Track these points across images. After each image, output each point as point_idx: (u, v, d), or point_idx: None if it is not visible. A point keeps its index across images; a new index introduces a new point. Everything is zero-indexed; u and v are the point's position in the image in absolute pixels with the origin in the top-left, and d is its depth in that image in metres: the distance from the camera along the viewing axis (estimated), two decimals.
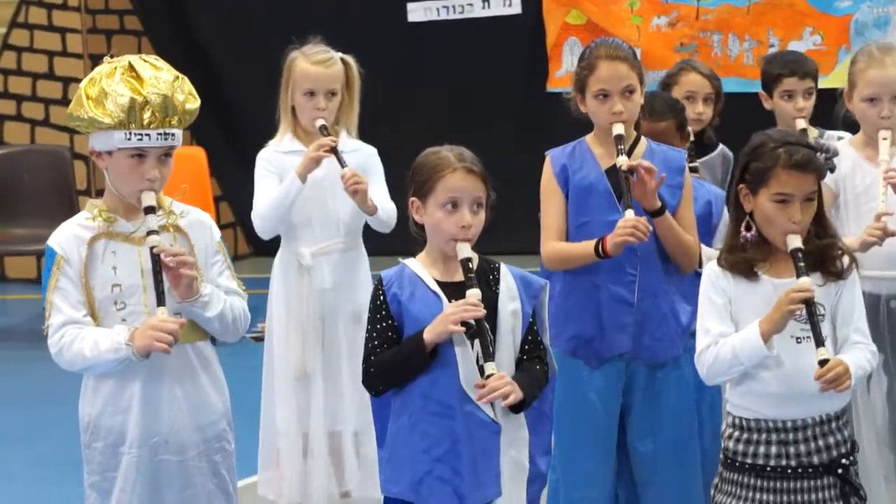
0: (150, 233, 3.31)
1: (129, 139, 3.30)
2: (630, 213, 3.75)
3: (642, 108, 3.93)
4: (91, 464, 3.43)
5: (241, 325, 3.48)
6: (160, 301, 3.27)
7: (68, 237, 3.37)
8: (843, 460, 3.26)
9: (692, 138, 4.52)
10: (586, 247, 3.83)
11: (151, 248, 3.29)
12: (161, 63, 3.40)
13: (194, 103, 3.40)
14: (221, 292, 3.42)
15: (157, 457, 3.39)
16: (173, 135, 3.35)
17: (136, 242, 3.36)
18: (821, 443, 3.26)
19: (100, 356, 3.28)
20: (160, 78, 3.34)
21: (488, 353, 3.22)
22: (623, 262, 3.85)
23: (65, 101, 9.03)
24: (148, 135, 3.31)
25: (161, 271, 3.28)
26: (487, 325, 3.24)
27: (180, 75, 3.40)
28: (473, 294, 3.22)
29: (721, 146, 4.95)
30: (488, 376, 3.20)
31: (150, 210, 3.32)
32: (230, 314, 3.42)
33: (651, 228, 3.77)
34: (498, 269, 3.36)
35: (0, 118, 9.19)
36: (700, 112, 4.76)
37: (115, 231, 3.37)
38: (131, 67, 3.34)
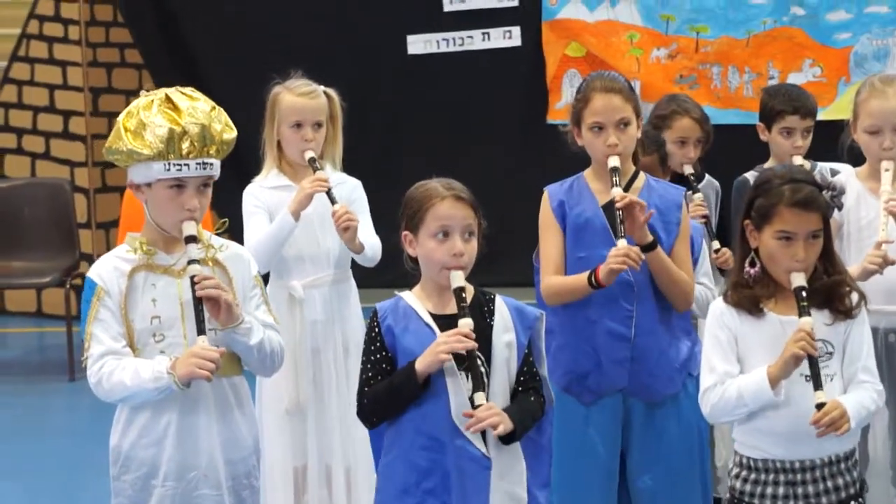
0: (190, 262, 3.30)
1: (169, 170, 3.31)
2: (623, 242, 3.73)
3: None
4: (119, 496, 3.40)
5: (277, 359, 3.48)
6: (200, 330, 3.26)
7: (108, 269, 3.37)
8: (852, 502, 3.23)
9: (693, 179, 4.69)
10: (580, 278, 3.82)
11: (192, 278, 3.28)
12: (197, 94, 3.41)
13: (231, 133, 3.41)
14: (259, 324, 3.42)
15: (196, 491, 3.37)
16: (212, 164, 3.36)
17: (175, 275, 3.36)
18: (829, 484, 3.23)
19: (141, 385, 3.27)
20: (197, 108, 3.35)
21: (478, 384, 3.19)
22: (619, 297, 3.84)
23: (65, 135, 9.01)
24: (187, 164, 3.31)
25: (201, 300, 3.27)
26: (482, 357, 3.22)
27: (216, 106, 3.41)
28: (465, 324, 3.20)
29: (707, 176, 4.97)
30: (477, 406, 3.17)
31: (191, 239, 3.32)
32: (268, 346, 3.43)
33: (644, 258, 3.75)
34: (493, 301, 3.34)
35: (0, 151, 9.18)
36: (691, 157, 4.80)
37: (154, 263, 3.38)
38: (168, 99, 3.36)
